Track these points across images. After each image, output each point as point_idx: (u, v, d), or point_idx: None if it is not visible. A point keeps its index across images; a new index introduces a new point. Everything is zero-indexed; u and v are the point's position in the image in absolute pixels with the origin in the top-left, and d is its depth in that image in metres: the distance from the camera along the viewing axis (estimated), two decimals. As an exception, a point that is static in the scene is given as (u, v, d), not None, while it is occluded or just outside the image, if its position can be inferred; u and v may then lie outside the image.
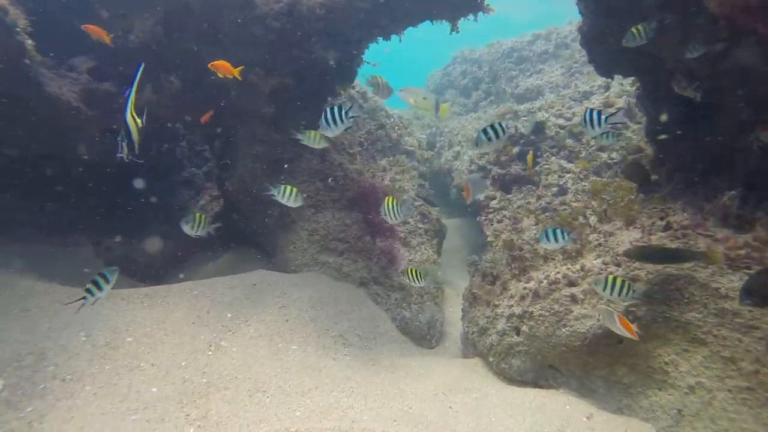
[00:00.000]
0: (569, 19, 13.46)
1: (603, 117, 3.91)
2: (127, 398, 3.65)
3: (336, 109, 4.11)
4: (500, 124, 3.85)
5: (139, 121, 3.58)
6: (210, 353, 4.23)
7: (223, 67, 5.46)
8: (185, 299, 4.93)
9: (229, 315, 4.84)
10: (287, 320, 4.90)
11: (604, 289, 3.49)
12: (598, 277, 3.71)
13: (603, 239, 4.31)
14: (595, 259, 4.17)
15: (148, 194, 9.23)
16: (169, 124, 7.45)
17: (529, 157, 7.23)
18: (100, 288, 3.45)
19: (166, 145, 8.23)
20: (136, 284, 6.86)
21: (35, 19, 5.09)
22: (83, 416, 3.50)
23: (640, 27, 3.86)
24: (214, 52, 6.10)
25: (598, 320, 3.79)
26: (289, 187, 4.64)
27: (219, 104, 6.37)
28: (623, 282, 3.46)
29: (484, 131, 3.84)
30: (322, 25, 5.74)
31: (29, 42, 4.90)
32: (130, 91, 3.48)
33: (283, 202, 4.74)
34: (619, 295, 3.49)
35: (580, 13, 4.98)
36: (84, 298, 3.43)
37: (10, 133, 5.69)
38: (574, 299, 4.04)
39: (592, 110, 3.97)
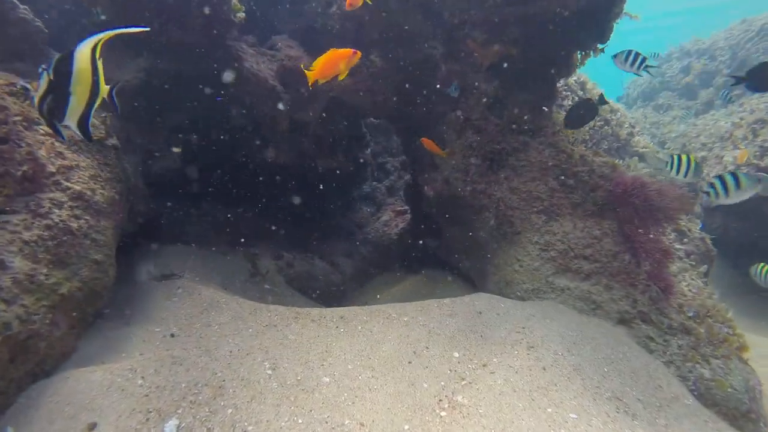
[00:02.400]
0: None
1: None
2: (330, 480, 2.28)
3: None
4: None
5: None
6: (443, 413, 2.72)
7: None
8: (393, 328, 3.56)
9: (456, 354, 3.31)
10: (544, 368, 3.20)
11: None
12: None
13: None
14: None
15: (330, 208, 8.52)
16: (369, 119, 6.51)
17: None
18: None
19: (359, 155, 7.36)
20: (316, 305, 5.88)
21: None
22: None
23: None
24: (423, 20, 4.93)
25: None
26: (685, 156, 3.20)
27: (426, 86, 5.15)
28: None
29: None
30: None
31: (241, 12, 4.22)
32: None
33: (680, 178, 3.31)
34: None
35: None
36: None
37: (211, 132, 5.18)
38: None
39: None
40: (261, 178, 6.97)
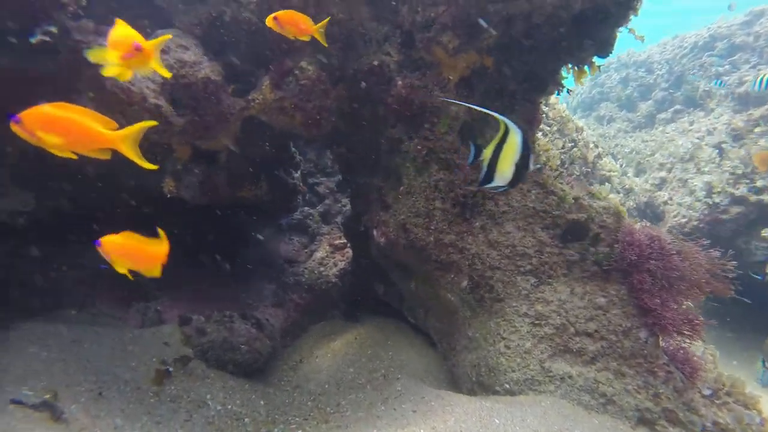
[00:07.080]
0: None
1: None
2: None
3: None
4: None
5: None
6: None
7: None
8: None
9: None
10: None
11: None
12: None
13: None
14: None
15: (252, 241, 7.03)
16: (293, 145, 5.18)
17: None
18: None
19: (290, 176, 5.99)
20: (240, 387, 4.50)
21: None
22: None
23: None
24: (371, 17, 3.66)
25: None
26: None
27: (376, 105, 3.87)
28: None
29: None
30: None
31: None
32: None
33: None
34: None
35: None
36: None
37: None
38: None
39: None
40: (160, 215, 5.37)
